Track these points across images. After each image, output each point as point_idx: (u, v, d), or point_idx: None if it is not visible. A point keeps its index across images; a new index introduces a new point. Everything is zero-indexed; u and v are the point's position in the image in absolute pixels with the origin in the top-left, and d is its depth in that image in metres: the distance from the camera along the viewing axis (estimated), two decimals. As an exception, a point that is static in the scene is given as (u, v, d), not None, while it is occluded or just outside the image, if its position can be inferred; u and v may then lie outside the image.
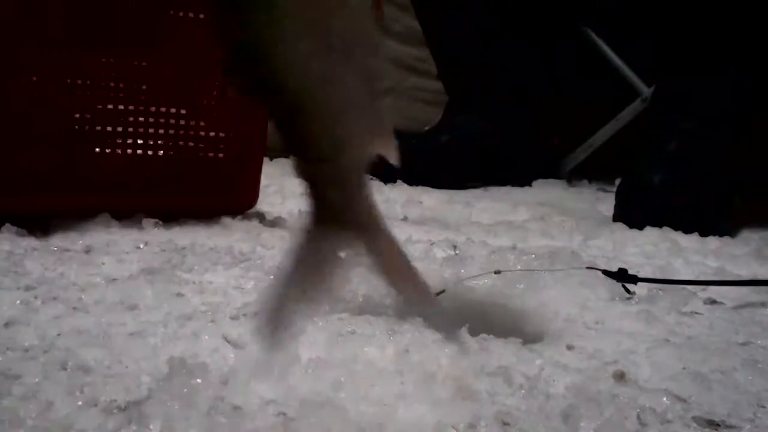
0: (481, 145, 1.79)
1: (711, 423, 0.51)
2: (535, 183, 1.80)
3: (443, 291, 0.75)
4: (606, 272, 0.81)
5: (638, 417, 0.49)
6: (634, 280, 0.81)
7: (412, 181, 1.62)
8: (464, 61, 1.85)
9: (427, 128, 1.83)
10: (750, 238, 1.24)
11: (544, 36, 1.89)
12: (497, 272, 0.79)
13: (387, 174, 1.64)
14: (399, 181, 1.61)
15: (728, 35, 1.36)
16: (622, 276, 0.81)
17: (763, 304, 0.82)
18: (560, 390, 0.53)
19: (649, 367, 0.60)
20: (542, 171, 1.85)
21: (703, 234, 1.20)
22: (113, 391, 0.50)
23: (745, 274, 0.96)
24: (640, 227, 1.20)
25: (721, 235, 1.23)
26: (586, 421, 0.48)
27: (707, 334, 0.71)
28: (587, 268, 0.82)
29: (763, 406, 0.55)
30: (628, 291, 0.81)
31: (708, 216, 1.26)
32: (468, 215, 1.31)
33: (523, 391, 0.52)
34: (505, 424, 0.47)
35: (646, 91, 1.84)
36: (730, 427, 0.51)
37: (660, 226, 1.19)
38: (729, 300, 0.82)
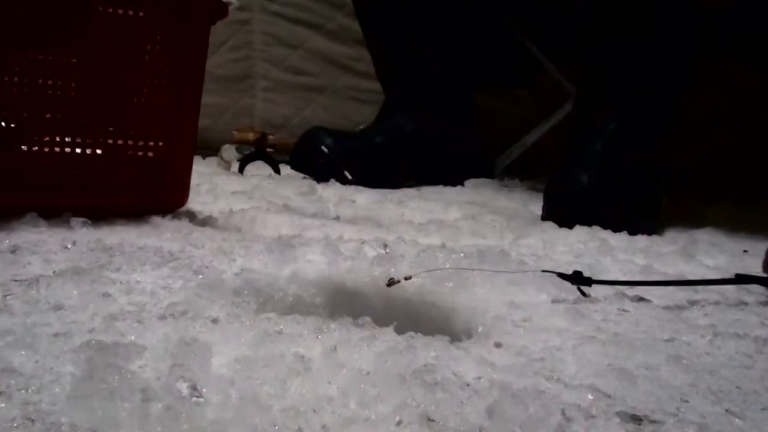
0: (414, 146, 1.80)
1: (635, 418, 0.51)
2: (467, 183, 1.81)
3: (410, 277, 0.75)
4: (561, 275, 0.80)
5: (563, 412, 0.50)
6: (589, 282, 0.81)
7: (345, 180, 1.62)
8: (399, 61, 1.85)
9: (361, 128, 1.84)
10: (677, 237, 1.26)
11: (479, 38, 1.90)
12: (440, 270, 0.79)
13: (321, 173, 1.64)
14: (332, 180, 1.61)
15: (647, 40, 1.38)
16: (578, 279, 0.81)
17: (689, 302, 0.83)
18: (486, 386, 0.53)
19: (574, 364, 0.61)
20: (475, 171, 1.87)
21: (632, 233, 1.21)
22: (37, 392, 0.49)
23: (672, 272, 0.98)
24: (570, 226, 1.21)
25: (649, 233, 1.25)
26: (511, 417, 0.48)
27: (633, 330, 0.72)
28: (543, 271, 0.82)
29: (686, 401, 0.55)
30: (584, 294, 0.81)
31: (636, 215, 1.28)
32: (400, 214, 1.31)
33: (448, 388, 0.52)
34: (430, 420, 0.47)
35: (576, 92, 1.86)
36: (654, 421, 0.51)
37: (589, 225, 1.21)
38: (656, 298, 0.83)
